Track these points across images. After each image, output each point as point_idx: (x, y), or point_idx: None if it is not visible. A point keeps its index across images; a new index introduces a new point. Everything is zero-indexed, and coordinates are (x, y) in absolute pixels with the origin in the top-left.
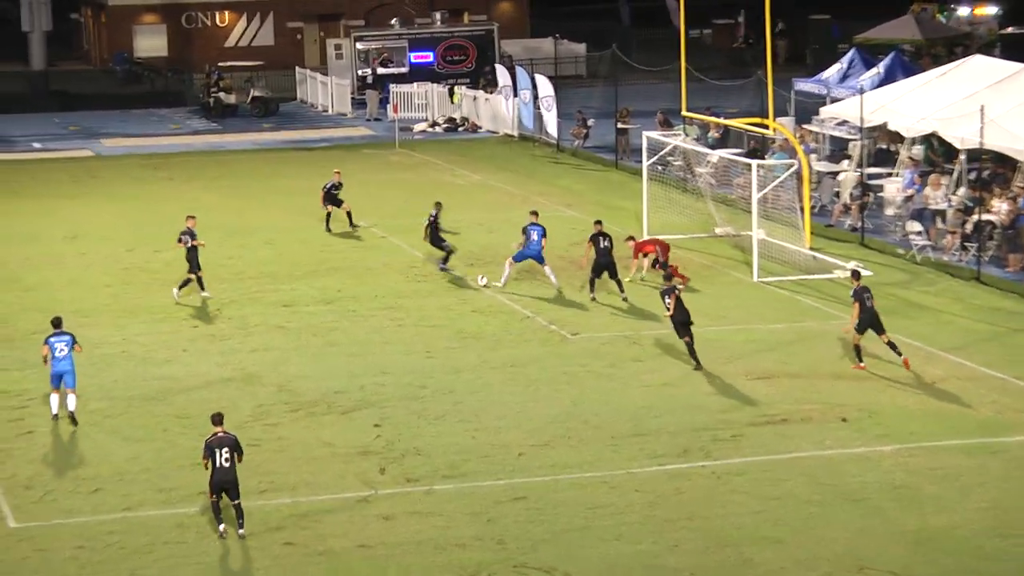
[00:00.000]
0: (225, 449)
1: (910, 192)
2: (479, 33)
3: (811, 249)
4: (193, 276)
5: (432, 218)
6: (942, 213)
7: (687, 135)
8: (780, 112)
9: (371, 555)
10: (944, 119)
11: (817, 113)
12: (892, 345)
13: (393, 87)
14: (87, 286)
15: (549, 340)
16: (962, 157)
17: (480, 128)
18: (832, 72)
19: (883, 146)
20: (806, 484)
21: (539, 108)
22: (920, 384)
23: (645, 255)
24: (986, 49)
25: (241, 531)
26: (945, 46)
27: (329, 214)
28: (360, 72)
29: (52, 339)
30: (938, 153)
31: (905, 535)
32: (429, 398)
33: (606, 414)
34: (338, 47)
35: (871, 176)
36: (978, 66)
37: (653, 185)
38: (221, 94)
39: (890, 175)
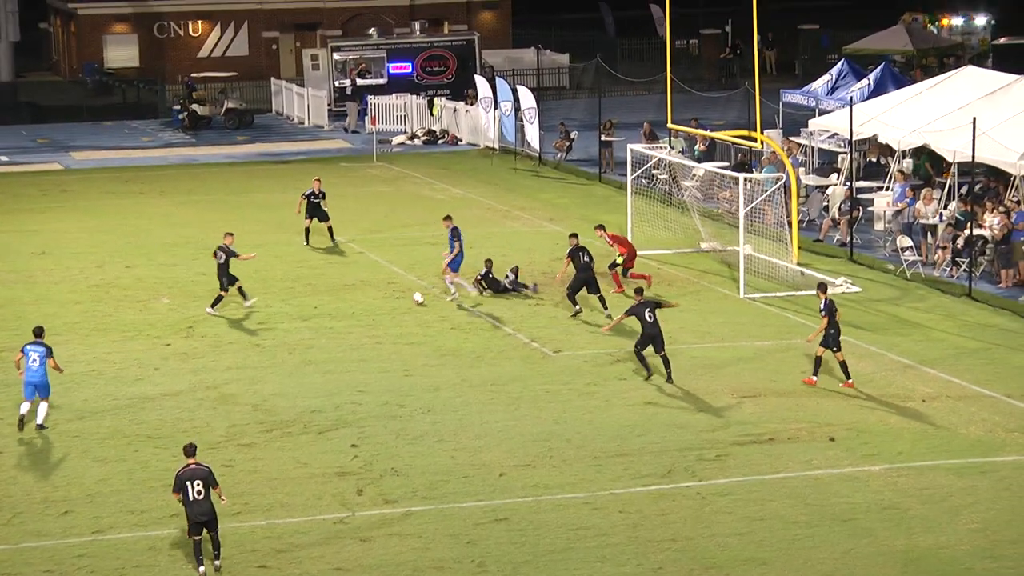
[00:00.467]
0: (197, 482)
1: (900, 206)
2: (460, 43)
3: (799, 265)
4: (224, 293)
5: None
6: (934, 228)
7: (672, 148)
8: (768, 124)
9: None
10: (935, 131)
11: (806, 125)
12: (843, 365)
13: (371, 99)
14: (56, 303)
15: (530, 358)
16: (953, 170)
17: (460, 141)
18: (821, 83)
19: (873, 159)
20: (793, 505)
21: (521, 120)
22: (909, 402)
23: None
24: (978, 60)
25: (217, 562)
26: (936, 57)
27: (308, 228)
28: (337, 83)
29: (28, 347)
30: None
31: (893, 556)
32: (407, 417)
33: (589, 433)
34: (315, 57)
35: (860, 190)
36: (970, 77)
37: (638, 199)
38: (195, 106)
39: (880, 189)
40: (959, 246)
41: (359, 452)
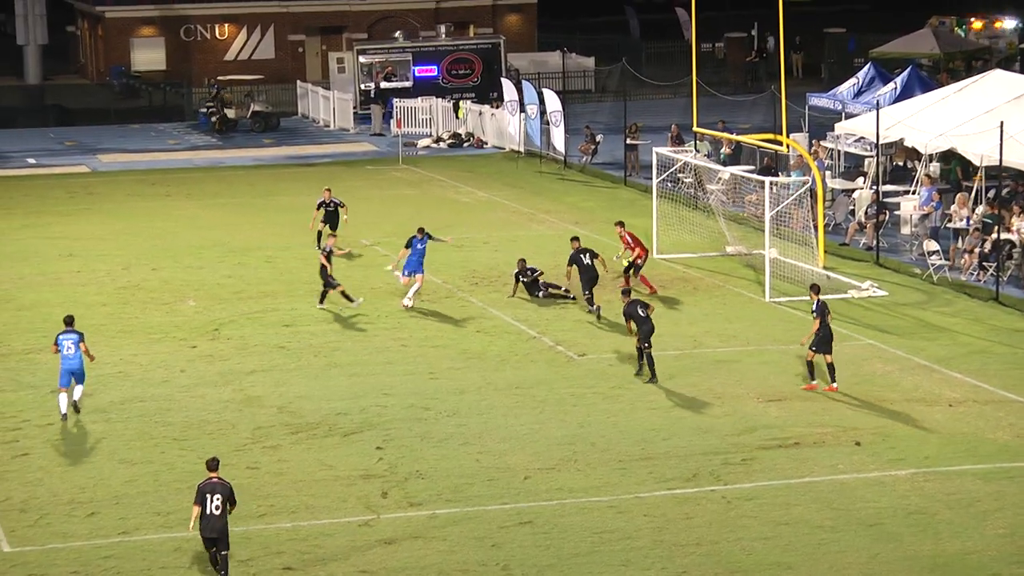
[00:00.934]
0: (217, 496)
1: (927, 210)
2: (485, 46)
3: (825, 268)
4: (327, 290)
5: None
6: (963, 232)
7: (698, 151)
8: (794, 128)
9: None
10: (962, 135)
11: (832, 129)
12: (831, 368)
13: (397, 102)
14: (83, 305)
15: (555, 361)
16: (981, 174)
17: (486, 144)
18: (847, 87)
19: (899, 163)
20: (818, 509)
21: (546, 123)
22: (936, 407)
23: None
24: (1006, 63)
25: None
26: (963, 60)
27: (320, 232)
28: (363, 86)
29: (61, 336)
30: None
31: (920, 561)
32: (433, 420)
33: (614, 437)
34: (340, 60)
35: (887, 194)
36: (997, 81)
37: (663, 202)
38: (225, 109)
39: (907, 193)
40: (986, 250)
41: (384, 455)
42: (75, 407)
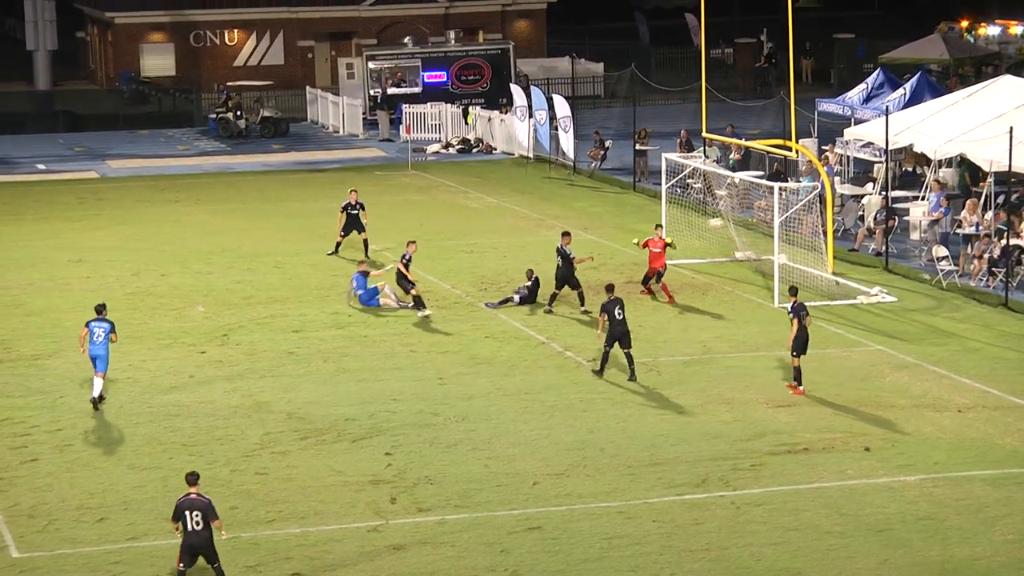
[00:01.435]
0: (196, 512)
1: (936, 216)
2: (494, 52)
3: (834, 274)
4: (403, 288)
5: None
6: (972, 238)
7: (708, 157)
8: (803, 133)
9: None
10: (972, 141)
11: (841, 134)
12: (797, 371)
13: (406, 107)
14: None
15: (564, 366)
16: (990, 180)
17: (495, 149)
18: (857, 92)
19: (909, 169)
20: (827, 515)
21: (555, 129)
22: (945, 413)
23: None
24: (1015, 69)
25: None
26: (973, 66)
27: (340, 242)
28: (372, 92)
29: (92, 323)
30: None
31: (929, 567)
32: (441, 425)
33: (623, 442)
34: (350, 66)
35: (896, 199)
36: (1007, 86)
37: (672, 208)
38: (229, 114)
39: (916, 198)
40: (995, 256)
41: (393, 460)
42: (94, 403)
